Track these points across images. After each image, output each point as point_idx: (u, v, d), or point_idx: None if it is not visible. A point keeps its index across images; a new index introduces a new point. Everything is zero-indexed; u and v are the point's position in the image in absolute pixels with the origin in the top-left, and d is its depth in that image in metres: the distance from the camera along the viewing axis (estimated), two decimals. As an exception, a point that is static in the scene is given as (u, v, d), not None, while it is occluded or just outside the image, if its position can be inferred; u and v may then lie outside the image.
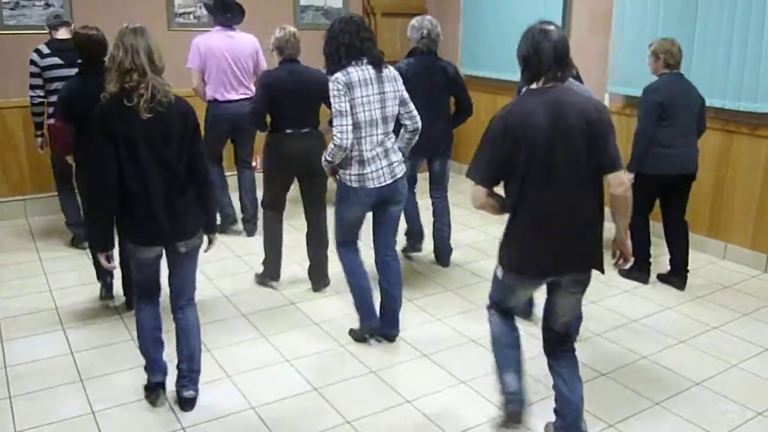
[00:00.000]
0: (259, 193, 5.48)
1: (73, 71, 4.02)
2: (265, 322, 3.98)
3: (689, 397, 3.25)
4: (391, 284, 3.72)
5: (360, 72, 3.33)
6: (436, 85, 4.48)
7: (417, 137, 3.59)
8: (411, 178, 4.69)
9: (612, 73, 5.54)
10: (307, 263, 4.45)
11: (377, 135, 3.40)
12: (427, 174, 4.82)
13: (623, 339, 3.81)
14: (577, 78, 3.87)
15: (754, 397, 3.23)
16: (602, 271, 2.66)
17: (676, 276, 4.50)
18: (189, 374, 3.14)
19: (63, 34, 4.73)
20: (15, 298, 4.26)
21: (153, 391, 3.16)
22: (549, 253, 2.56)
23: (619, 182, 2.57)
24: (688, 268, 4.50)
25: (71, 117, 3.74)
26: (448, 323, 4.00)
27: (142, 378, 3.30)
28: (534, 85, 2.54)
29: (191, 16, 6.28)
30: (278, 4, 6.62)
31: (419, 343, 3.74)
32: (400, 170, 3.52)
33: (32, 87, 4.75)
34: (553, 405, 2.83)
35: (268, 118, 4.27)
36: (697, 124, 4.31)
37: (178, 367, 3.15)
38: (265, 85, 4.19)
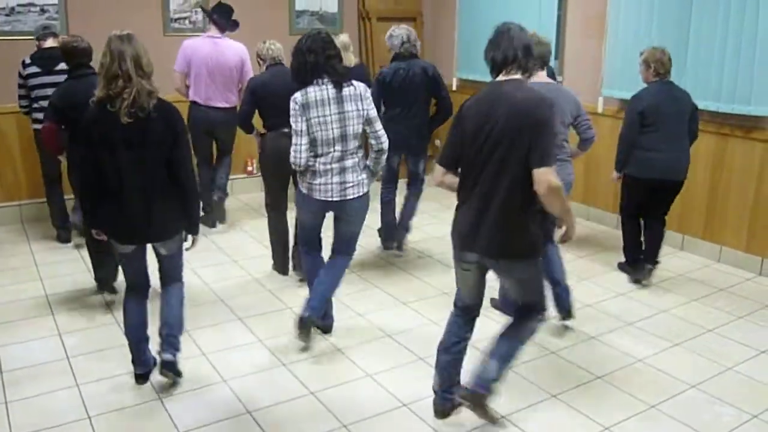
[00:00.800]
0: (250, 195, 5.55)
1: (52, 78, 4.58)
2: (261, 326, 3.98)
3: (684, 399, 3.26)
4: (327, 269, 3.74)
5: (319, 92, 3.40)
6: (413, 86, 4.73)
7: (383, 156, 3.63)
8: (392, 176, 5.02)
9: (606, 77, 5.56)
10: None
11: (334, 152, 3.46)
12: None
13: (618, 342, 3.82)
14: (552, 76, 4.12)
15: (749, 400, 3.24)
16: (509, 258, 2.79)
17: (632, 266, 4.66)
18: (168, 338, 3.26)
19: (50, 43, 4.95)
20: (11, 303, 4.26)
21: (139, 378, 3.36)
22: (465, 229, 2.80)
23: (539, 180, 2.62)
24: (658, 260, 4.58)
25: (64, 119, 3.90)
26: (444, 325, 3.99)
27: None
28: (497, 78, 2.77)
29: (186, 21, 6.28)
30: (274, 9, 6.63)
31: (416, 345, 3.75)
32: (354, 192, 3.53)
33: (19, 96, 5.06)
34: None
35: (260, 121, 4.44)
36: (690, 130, 4.36)
37: (159, 332, 3.28)
38: (250, 89, 4.42)
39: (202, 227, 5.07)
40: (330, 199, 3.51)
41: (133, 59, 2.85)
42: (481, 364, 2.97)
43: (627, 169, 4.45)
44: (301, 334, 3.62)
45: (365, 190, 3.60)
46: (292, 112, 3.43)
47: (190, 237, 3.21)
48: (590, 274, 4.79)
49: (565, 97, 3.81)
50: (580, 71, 5.89)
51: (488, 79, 2.88)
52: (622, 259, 4.77)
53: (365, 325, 4.01)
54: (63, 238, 5.32)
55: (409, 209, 5.13)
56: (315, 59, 3.40)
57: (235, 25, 5.40)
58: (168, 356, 3.25)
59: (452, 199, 2.92)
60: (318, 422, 3.07)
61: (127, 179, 2.95)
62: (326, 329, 3.88)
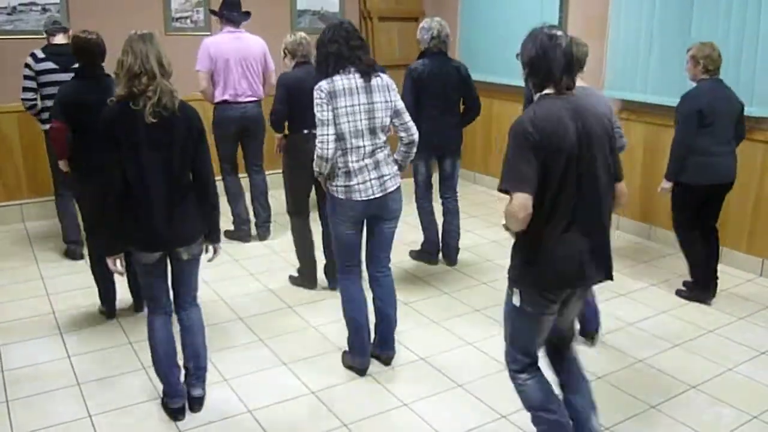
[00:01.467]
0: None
1: (68, 76, 4.05)
2: (263, 326, 3.98)
3: (685, 400, 3.26)
4: (385, 302, 3.54)
5: (346, 80, 3.20)
6: (449, 85, 4.61)
7: (414, 149, 3.45)
8: (427, 181, 4.82)
9: (608, 77, 5.56)
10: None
11: (364, 146, 3.24)
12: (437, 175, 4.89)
13: (619, 342, 3.82)
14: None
15: (749, 401, 3.25)
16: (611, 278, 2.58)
17: (701, 286, 4.37)
18: (195, 372, 3.14)
19: (60, 39, 4.72)
20: (12, 303, 4.26)
21: (178, 414, 3.09)
22: (580, 260, 2.44)
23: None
24: (717, 276, 4.36)
25: (71, 120, 3.73)
26: (446, 326, 4.01)
27: (140, 382, 3.31)
28: (549, 90, 2.42)
29: (188, 21, 6.29)
30: (275, 8, 6.63)
31: (417, 346, 3.75)
32: (393, 184, 3.35)
33: (25, 89, 4.73)
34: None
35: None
36: (736, 131, 4.19)
37: (184, 366, 3.15)
38: (285, 86, 4.21)
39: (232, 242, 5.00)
40: (372, 196, 3.27)
41: (157, 58, 2.79)
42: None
43: (682, 177, 4.12)
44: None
45: (398, 183, 3.40)
46: (317, 101, 3.18)
47: (210, 247, 3.07)
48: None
49: (601, 102, 3.09)
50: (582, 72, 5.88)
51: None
52: (681, 280, 4.56)
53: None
54: (77, 254, 4.98)
55: (456, 227, 4.93)
56: (338, 49, 3.21)
57: (247, 15, 5.32)
58: (198, 392, 3.13)
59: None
60: (319, 422, 3.08)
61: (152, 181, 2.81)
62: (388, 361, 3.61)
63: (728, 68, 4.66)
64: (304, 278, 4.52)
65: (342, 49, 3.21)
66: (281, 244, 5.25)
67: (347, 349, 3.57)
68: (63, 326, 3.96)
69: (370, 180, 3.26)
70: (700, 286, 4.36)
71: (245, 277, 4.71)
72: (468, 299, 4.33)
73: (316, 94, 3.19)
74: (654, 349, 3.75)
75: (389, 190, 3.32)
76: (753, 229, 4.80)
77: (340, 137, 3.20)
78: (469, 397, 3.28)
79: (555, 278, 2.44)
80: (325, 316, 4.10)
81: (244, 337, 3.87)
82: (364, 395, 3.29)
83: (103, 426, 3.03)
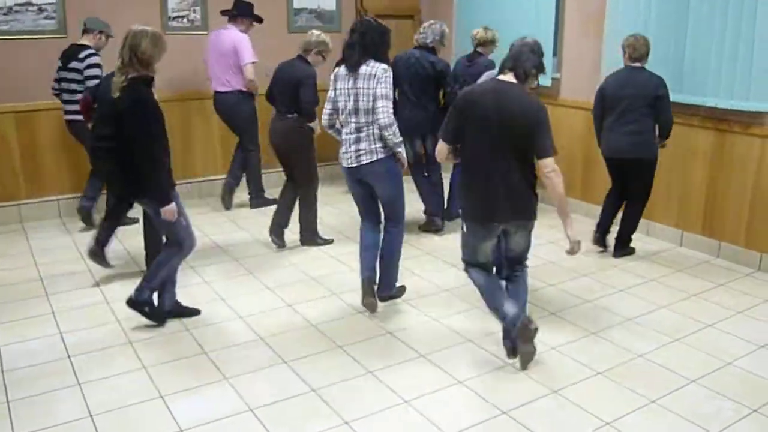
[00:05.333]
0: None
1: (65, 74, 5.08)
2: (262, 324, 3.98)
3: (684, 394, 3.27)
4: (384, 250, 4.12)
5: (344, 69, 3.92)
6: (420, 77, 5.26)
7: (387, 133, 3.83)
8: (415, 159, 5.38)
9: (605, 73, 5.54)
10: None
11: (353, 123, 3.89)
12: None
13: (618, 337, 3.83)
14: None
15: (748, 394, 3.25)
16: (531, 219, 3.41)
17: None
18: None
19: (82, 40, 5.34)
20: (11, 303, 4.26)
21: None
22: (485, 205, 3.34)
23: (543, 166, 3.24)
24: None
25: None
26: (445, 323, 4.01)
27: (140, 381, 3.32)
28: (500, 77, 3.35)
29: (185, 20, 6.28)
30: (272, 6, 6.62)
31: (417, 343, 3.75)
32: (367, 159, 3.89)
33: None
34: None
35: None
36: (652, 115, 4.64)
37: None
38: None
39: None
40: (350, 165, 3.94)
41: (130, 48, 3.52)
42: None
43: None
44: (366, 299, 4.08)
45: (380, 156, 3.89)
46: (331, 83, 4.01)
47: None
48: (589, 270, 4.80)
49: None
50: (579, 69, 5.90)
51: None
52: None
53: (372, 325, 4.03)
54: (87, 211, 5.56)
55: (440, 193, 5.67)
56: (344, 45, 3.92)
57: (234, 11, 5.97)
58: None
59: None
60: (319, 419, 3.08)
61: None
62: (381, 299, 4.19)
63: (724, 64, 4.68)
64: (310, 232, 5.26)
65: (346, 44, 3.91)
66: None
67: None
68: (62, 325, 3.94)
69: (349, 152, 3.93)
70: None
71: (244, 276, 4.72)
72: (467, 297, 4.34)
73: (331, 77, 4.05)
74: (653, 343, 3.76)
75: (362, 163, 3.91)
76: (750, 223, 4.81)
77: (336, 111, 4.00)
78: (470, 394, 3.28)
79: (470, 214, 3.46)
80: (324, 314, 4.12)
81: (243, 335, 3.87)
82: (365, 392, 3.29)
83: (105, 425, 3.02)
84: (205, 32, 6.25)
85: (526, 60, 3.27)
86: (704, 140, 4.92)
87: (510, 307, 3.41)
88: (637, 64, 4.65)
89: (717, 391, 3.29)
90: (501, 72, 3.37)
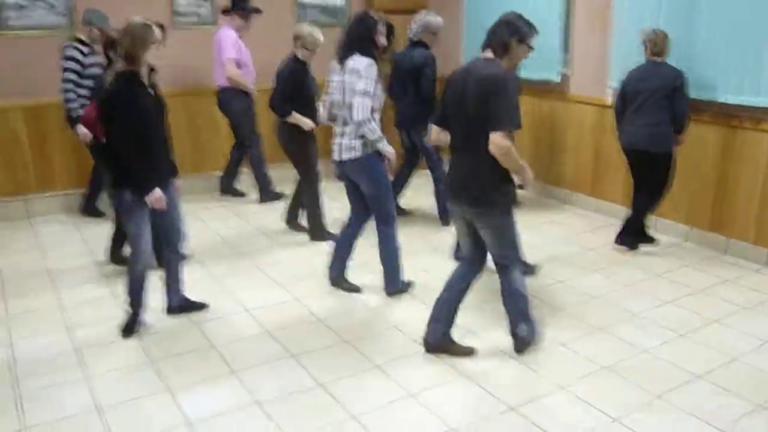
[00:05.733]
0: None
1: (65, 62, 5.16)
2: (269, 318, 4.00)
3: (690, 390, 3.27)
4: (378, 248, 4.19)
5: (336, 63, 4.04)
6: (404, 71, 5.37)
7: (362, 130, 3.86)
8: (408, 150, 5.60)
9: (613, 68, 5.54)
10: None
11: (341, 116, 3.98)
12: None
13: (624, 333, 3.83)
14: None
15: (754, 390, 3.25)
16: (487, 209, 3.23)
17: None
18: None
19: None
20: (20, 297, 4.30)
21: None
22: (451, 190, 3.33)
23: (492, 142, 3.04)
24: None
25: None
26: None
27: (147, 374, 3.34)
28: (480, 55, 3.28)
29: (194, 15, 6.29)
30: (278, 1, 6.63)
31: (421, 337, 3.76)
32: (346, 155, 3.95)
33: None
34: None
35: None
36: (670, 108, 4.61)
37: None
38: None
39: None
40: (336, 159, 4.02)
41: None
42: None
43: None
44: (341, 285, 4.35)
45: (357, 155, 3.93)
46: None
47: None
48: (598, 266, 4.79)
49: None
50: (587, 63, 5.87)
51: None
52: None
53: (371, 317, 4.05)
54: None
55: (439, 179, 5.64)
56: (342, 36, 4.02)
57: (229, 8, 5.97)
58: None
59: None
60: (326, 412, 3.09)
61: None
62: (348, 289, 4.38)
63: (733, 59, 4.66)
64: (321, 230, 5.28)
65: (341, 40, 4.01)
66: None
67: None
68: (70, 320, 3.99)
69: (336, 144, 4.02)
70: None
71: (253, 270, 4.74)
72: (474, 291, 4.34)
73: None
74: (659, 339, 3.76)
75: (343, 158, 3.98)
76: (760, 219, 4.78)
77: (331, 103, 4.10)
78: (477, 388, 3.29)
79: (449, 192, 3.38)
80: (331, 309, 4.14)
81: (250, 329, 3.89)
82: (371, 386, 3.31)
83: (113, 417, 3.06)
84: (214, 27, 6.26)
85: (502, 32, 3.21)
86: (715, 136, 4.90)
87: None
88: (658, 59, 4.66)
89: (723, 386, 3.29)
90: (483, 51, 3.28)
